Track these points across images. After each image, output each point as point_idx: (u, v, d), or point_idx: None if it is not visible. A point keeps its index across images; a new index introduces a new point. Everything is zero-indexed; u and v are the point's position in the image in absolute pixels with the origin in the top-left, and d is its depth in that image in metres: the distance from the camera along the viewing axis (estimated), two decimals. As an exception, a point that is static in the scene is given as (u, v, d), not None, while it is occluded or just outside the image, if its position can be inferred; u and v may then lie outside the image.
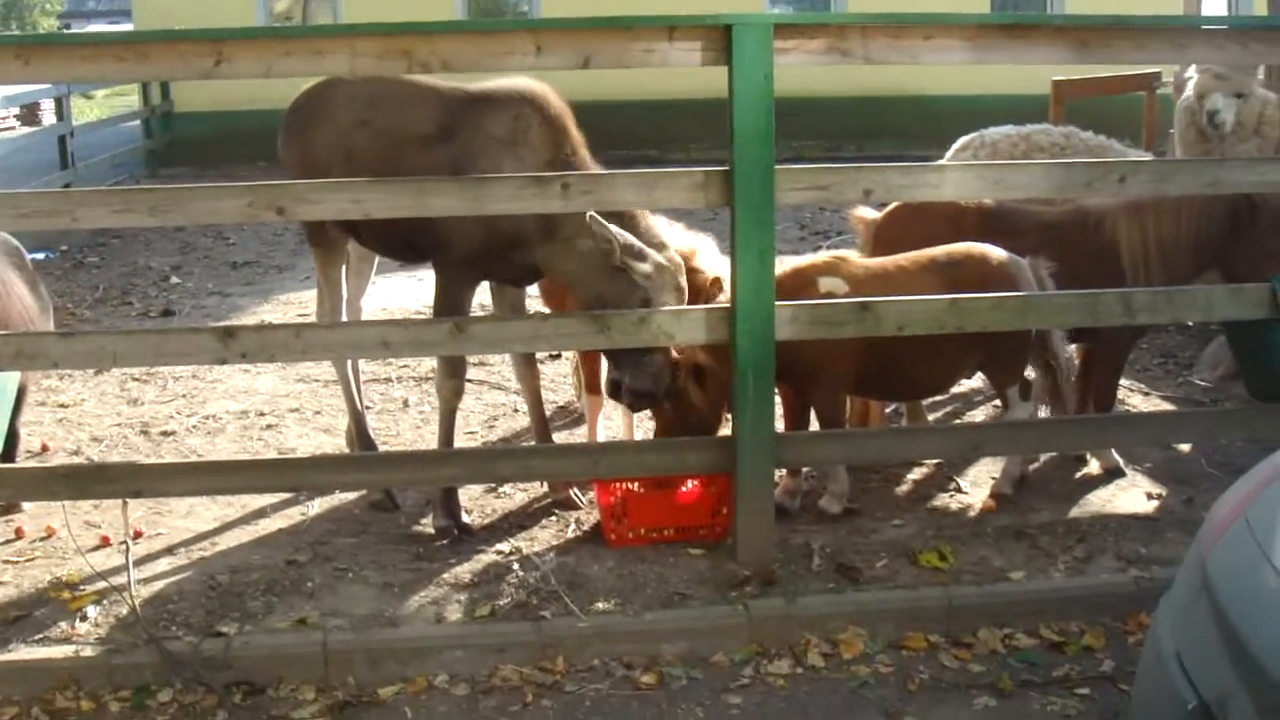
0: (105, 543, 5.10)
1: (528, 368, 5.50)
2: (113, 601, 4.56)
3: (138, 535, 5.11)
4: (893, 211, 5.95)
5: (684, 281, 4.95)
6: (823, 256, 5.36)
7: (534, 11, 18.72)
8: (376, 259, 5.89)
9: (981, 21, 4.89)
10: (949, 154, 7.67)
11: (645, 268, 4.77)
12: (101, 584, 4.66)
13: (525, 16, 18.72)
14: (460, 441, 5.46)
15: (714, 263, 5.39)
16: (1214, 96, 7.20)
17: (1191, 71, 7.48)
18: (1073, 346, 5.84)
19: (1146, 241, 5.43)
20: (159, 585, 4.72)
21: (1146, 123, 10.46)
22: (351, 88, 5.29)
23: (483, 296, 5.77)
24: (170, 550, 5.05)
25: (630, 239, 4.73)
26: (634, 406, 5.27)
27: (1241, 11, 19.08)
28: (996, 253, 5.29)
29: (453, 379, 5.21)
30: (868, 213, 6.05)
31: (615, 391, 5.06)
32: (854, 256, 5.43)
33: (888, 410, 6.23)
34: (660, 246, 4.90)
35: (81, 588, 4.69)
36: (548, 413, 5.88)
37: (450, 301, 5.12)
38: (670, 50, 4.49)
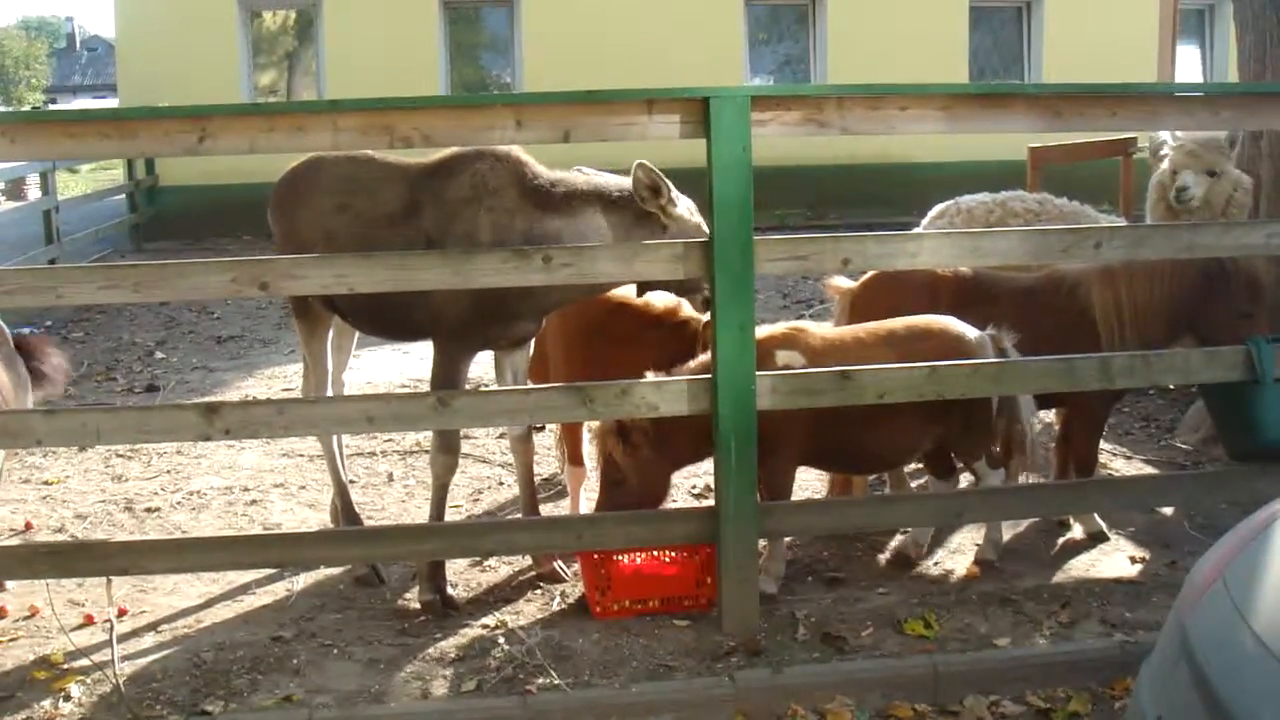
0: (89, 621, 5.08)
1: (523, 442, 5.49)
2: (96, 681, 4.53)
3: (122, 613, 5.10)
4: (869, 280, 5.99)
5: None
6: (780, 328, 5.33)
7: (517, 86, 18.87)
8: (356, 333, 5.89)
9: (956, 91, 4.94)
10: (925, 221, 7.72)
11: (682, 212, 4.90)
12: (85, 663, 4.64)
13: (508, 90, 18.88)
14: (445, 515, 5.46)
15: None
16: (1185, 174, 7.17)
17: (1166, 147, 7.48)
18: (1052, 412, 5.86)
19: (1120, 305, 5.48)
20: (143, 663, 4.69)
21: (1123, 188, 10.57)
22: (333, 169, 5.31)
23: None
24: (155, 628, 5.03)
25: (669, 184, 4.85)
26: None
27: (1216, 79, 19.38)
28: (956, 325, 5.27)
29: (446, 454, 5.20)
30: (843, 282, 6.08)
31: None
32: (812, 328, 5.40)
33: (870, 480, 6.24)
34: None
35: (65, 667, 4.66)
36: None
37: (448, 374, 5.10)
38: (649, 123, 4.54)
